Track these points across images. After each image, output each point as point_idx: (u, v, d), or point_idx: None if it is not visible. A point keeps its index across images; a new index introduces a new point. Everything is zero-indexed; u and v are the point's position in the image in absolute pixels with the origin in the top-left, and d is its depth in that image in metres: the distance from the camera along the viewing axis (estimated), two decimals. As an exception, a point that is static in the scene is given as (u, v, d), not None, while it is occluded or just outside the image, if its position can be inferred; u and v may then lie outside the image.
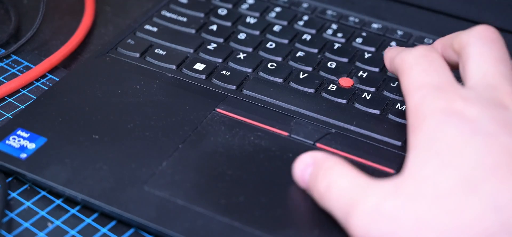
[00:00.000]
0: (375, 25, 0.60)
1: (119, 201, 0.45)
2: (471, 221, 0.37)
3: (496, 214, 0.37)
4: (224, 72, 0.55)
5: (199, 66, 0.55)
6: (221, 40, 0.58)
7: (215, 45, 0.57)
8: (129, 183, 0.46)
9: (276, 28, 0.59)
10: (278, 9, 0.62)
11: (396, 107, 0.51)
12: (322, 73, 0.55)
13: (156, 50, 0.57)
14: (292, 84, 0.54)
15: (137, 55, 0.56)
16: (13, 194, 0.47)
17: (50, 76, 0.57)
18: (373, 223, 0.39)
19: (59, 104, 0.52)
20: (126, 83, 0.53)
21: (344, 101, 0.52)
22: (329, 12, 0.61)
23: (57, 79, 0.57)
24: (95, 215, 0.46)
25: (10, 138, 0.49)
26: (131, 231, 0.45)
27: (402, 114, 0.51)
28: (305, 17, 0.61)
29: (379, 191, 0.40)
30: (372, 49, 0.57)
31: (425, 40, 0.58)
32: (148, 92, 0.53)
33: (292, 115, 0.51)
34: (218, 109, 0.51)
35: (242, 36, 0.58)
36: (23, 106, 0.54)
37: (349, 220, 0.40)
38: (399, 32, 0.59)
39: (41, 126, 0.50)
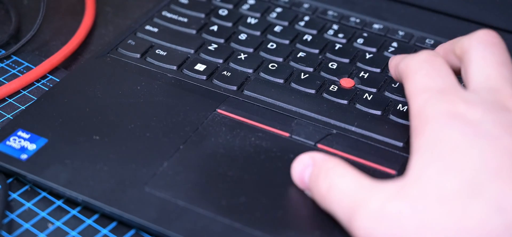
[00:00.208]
0: (376, 26, 0.60)
1: (120, 202, 0.45)
2: (475, 224, 0.37)
3: (499, 216, 0.37)
4: (225, 72, 0.54)
5: (200, 66, 0.55)
6: (222, 40, 0.58)
7: (216, 45, 0.57)
8: (129, 184, 0.46)
9: (277, 28, 0.59)
10: (279, 9, 0.61)
11: (398, 108, 0.51)
12: (323, 74, 0.55)
13: (156, 51, 0.57)
14: (293, 85, 0.54)
15: (138, 55, 0.56)
16: (14, 195, 0.47)
17: (50, 77, 0.57)
18: (377, 225, 0.39)
19: (60, 105, 0.52)
20: (127, 84, 0.53)
21: (345, 102, 0.52)
22: (330, 12, 0.61)
23: (58, 80, 0.57)
24: (95, 216, 0.46)
25: (11, 139, 0.49)
26: (132, 232, 0.45)
27: (404, 115, 0.51)
28: (306, 18, 0.60)
29: (382, 193, 0.40)
30: (373, 49, 0.57)
31: (427, 40, 0.58)
32: (148, 93, 0.53)
33: (293, 116, 0.51)
34: (219, 110, 0.51)
35: (243, 36, 0.58)
36: (23, 107, 0.54)
37: (353, 222, 0.40)
38: (400, 33, 0.59)
39: (42, 127, 0.50)
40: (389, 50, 0.57)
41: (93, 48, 0.61)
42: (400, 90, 0.52)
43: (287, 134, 0.49)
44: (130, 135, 0.49)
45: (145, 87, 0.53)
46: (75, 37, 0.60)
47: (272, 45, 0.57)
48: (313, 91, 0.53)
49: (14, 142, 0.48)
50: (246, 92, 0.53)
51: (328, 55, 0.57)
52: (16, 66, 0.58)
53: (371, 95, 0.52)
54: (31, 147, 0.48)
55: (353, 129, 0.50)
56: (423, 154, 0.40)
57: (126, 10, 0.66)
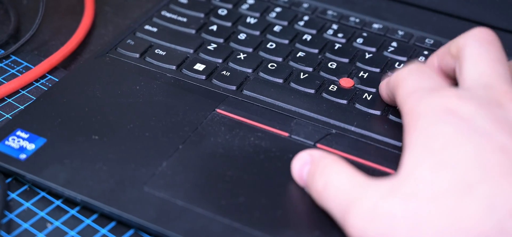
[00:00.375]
0: (375, 25, 0.60)
1: (119, 202, 0.45)
2: (467, 221, 0.37)
3: (491, 214, 0.37)
4: (224, 72, 0.54)
5: (199, 66, 0.55)
6: (221, 40, 0.58)
7: (215, 45, 0.57)
8: (128, 183, 0.46)
9: (277, 28, 0.59)
10: (278, 9, 0.61)
11: (397, 108, 0.51)
12: (322, 73, 0.55)
13: (156, 51, 0.57)
14: (292, 84, 0.53)
15: (137, 55, 0.56)
16: (13, 195, 0.47)
17: (49, 76, 0.57)
18: (370, 224, 0.39)
19: (59, 105, 0.52)
20: (126, 84, 0.53)
21: (344, 101, 0.52)
22: (329, 12, 0.61)
23: (57, 80, 0.57)
24: (94, 216, 0.46)
25: (10, 139, 0.49)
26: (131, 232, 0.45)
27: (403, 114, 0.51)
28: (306, 17, 0.60)
29: (376, 190, 0.40)
30: (373, 49, 0.57)
31: (426, 40, 0.58)
32: (148, 92, 0.53)
33: (293, 116, 0.51)
34: (218, 110, 0.51)
35: (242, 36, 0.58)
36: (22, 107, 0.54)
37: (346, 220, 0.40)
38: (400, 32, 0.59)
39: (41, 127, 0.50)
40: (389, 50, 0.57)
41: (92, 48, 0.61)
42: (400, 90, 0.52)
43: (286, 134, 0.49)
44: (129, 135, 0.49)
45: (144, 87, 0.53)
46: (74, 37, 0.60)
47: (271, 45, 0.57)
48: (312, 91, 0.53)
49: (13, 142, 0.48)
50: (245, 92, 0.53)
51: (328, 55, 0.57)
52: (15, 66, 0.58)
53: (371, 95, 0.52)
54: (30, 146, 0.48)
55: (353, 128, 0.50)
56: (414, 149, 0.40)
57: (126, 10, 0.66)
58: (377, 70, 0.55)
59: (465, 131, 0.39)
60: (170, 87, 0.53)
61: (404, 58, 0.56)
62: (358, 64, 0.56)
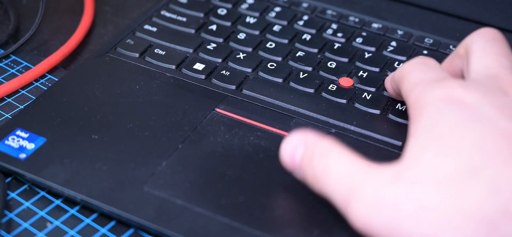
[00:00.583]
0: (375, 25, 0.60)
1: (119, 201, 0.45)
2: (471, 205, 0.37)
3: (494, 197, 0.37)
4: (223, 72, 0.54)
5: (199, 66, 0.55)
6: (220, 40, 0.58)
7: (214, 45, 0.57)
8: (128, 183, 0.46)
9: (276, 28, 0.59)
10: (278, 9, 0.61)
11: (397, 107, 0.51)
12: (322, 73, 0.55)
13: (155, 50, 0.57)
14: (292, 84, 0.53)
15: (137, 55, 0.56)
16: (12, 194, 0.47)
17: (49, 76, 0.57)
18: (374, 211, 0.38)
19: (58, 105, 0.52)
20: (126, 83, 0.53)
21: (344, 101, 0.52)
22: (329, 11, 0.61)
23: (57, 80, 0.57)
24: (94, 215, 0.46)
25: (9, 138, 0.49)
26: (131, 231, 0.45)
27: (403, 114, 0.51)
28: (305, 17, 0.60)
29: (379, 177, 0.39)
30: (372, 49, 0.57)
31: (426, 40, 0.58)
32: (147, 92, 0.53)
33: (292, 115, 0.51)
34: (217, 109, 0.51)
35: (241, 36, 0.58)
36: (22, 107, 0.54)
37: (349, 207, 0.39)
38: (400, 32, 0.59)
39: (40, 126, 0.50)
40: (388, 50, 0.57)
41: (92, 47, 0.61)
42: (399, 89, 0.52)
43: (286, 133, 0.49)
44: (128, 134, 0.49)
45: (144, 87, 0.53)
46: (74, 37, 0.60)
47: (271, 45, 0.57)
48: (312, 90, 0.53)
49: (13, 141, 0.48)
50: (245, 91, 0.53)
51: (327, 54, 0.57)
52: (15, 66, 0.58)
53: (370, 95, 0.52)
54: (30, 146, 0.48)
55: (352, 128, 0.50)
56: (419, 137, 0.40)
57: (125, 10, 0.66)
58: (377, 69, 0.55)
59: (469, 118, 0.39)
60: (170, 87, 0.53)
61: (403, 58, 0.56)
62: (358, 63, 0.56)
